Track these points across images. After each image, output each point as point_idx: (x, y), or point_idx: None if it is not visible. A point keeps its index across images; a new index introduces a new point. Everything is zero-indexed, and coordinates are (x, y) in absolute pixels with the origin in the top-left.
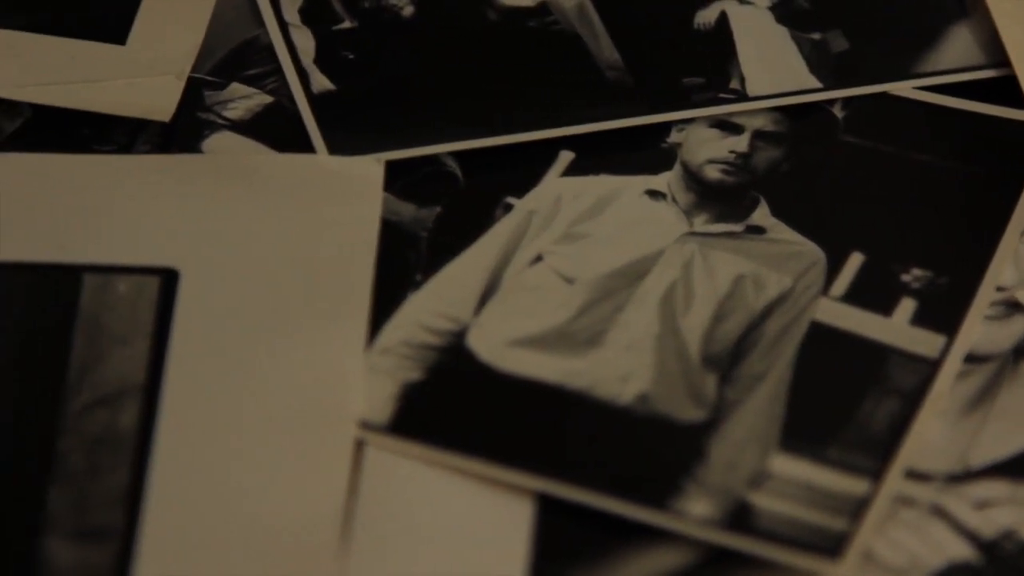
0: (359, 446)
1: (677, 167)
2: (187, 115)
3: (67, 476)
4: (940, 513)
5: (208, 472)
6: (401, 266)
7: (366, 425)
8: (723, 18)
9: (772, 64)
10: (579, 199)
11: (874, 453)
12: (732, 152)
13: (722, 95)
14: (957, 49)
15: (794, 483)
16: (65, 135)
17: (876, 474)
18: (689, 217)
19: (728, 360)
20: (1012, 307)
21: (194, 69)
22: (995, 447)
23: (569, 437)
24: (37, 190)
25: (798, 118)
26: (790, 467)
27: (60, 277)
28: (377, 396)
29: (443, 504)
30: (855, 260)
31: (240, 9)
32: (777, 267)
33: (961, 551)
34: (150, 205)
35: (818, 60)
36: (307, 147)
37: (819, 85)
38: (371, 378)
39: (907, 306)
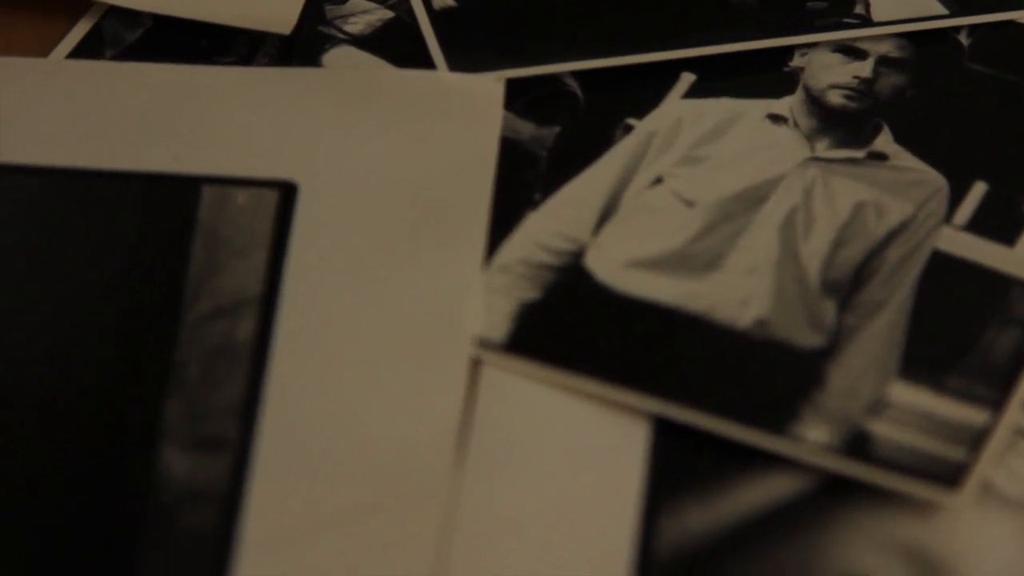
0: (475, 364)
1: (799, 92)
2: (307, 28)
3: (184, 386)
4: None
5: (323, 386)
6: (520, 185)
7: (482, 343)
8: None
9: None
10: (700, 122)
11: (994, 383)
12: (856, 78)
13: (846, 20)
14: None
15: (913, 412)
16: (185, 46)
17: (996, 404)
18: (811, 142)
19: (848, 287)
20: None
21: None
22: None
23: (686, 360)
24: (156, 100)
25: (923, 45)
26: (909, 395)
27: (179, 188)
28: (494, 314)
29: (558, 424)
30: (978, 189)
31: None
32: (899, 194)
33: None
34: (269, 118)
35: None
36: (427, 63)
37: (945, 12)
38: (488, 296)
39: None
